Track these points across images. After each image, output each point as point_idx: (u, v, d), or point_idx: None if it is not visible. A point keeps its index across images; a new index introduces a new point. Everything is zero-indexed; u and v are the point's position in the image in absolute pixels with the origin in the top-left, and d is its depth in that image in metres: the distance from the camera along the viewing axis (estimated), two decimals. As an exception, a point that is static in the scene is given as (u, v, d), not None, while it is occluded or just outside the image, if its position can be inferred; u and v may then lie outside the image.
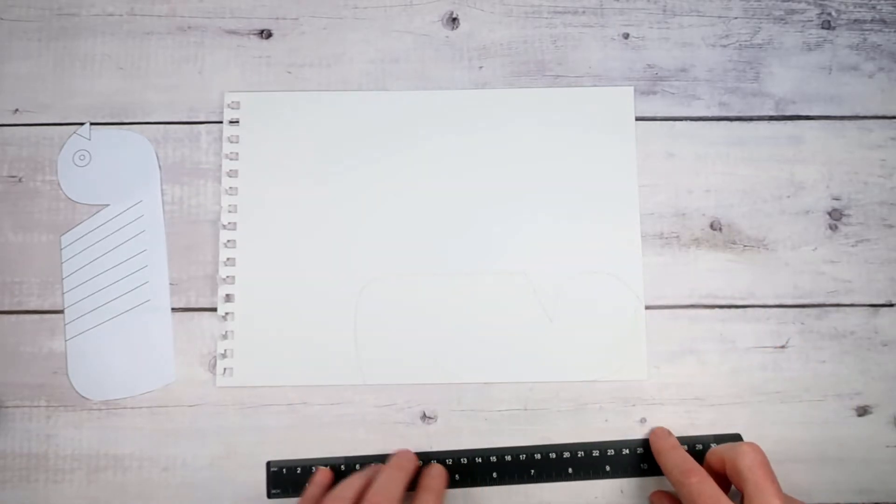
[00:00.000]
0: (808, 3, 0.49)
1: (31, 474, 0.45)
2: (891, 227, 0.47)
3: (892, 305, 0.46)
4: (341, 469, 0.44)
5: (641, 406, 0.45)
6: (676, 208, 0.47)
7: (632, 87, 0.48)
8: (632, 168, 0.47)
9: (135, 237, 0.46)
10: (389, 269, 0.46)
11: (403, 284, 0.46)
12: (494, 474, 0.44)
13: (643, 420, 0.45)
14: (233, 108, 0.47)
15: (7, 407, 0.45)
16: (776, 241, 0.46)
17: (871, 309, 0.46)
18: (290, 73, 0.48)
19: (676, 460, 0.41)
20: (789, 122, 0.48)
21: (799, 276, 0.46)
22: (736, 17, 0.49)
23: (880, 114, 0.48)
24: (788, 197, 0.47)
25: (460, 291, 0.46)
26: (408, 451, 0.44)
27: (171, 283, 0.46)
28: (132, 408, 0.45)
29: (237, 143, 0.47)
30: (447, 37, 0.49)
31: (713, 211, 0.47)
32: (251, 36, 0.49)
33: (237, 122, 0.47)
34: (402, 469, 0.41)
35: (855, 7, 0.49)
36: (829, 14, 0.49)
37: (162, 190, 0.47)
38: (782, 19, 0.49)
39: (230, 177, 0.47)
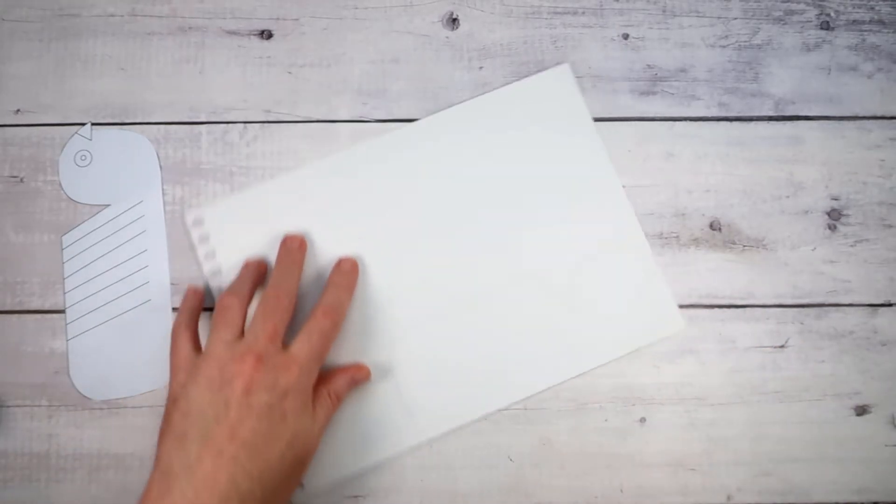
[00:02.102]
0: (807, 4, 0.49)
1: (33, 474, 0.45)
2: (890, 226, 0.47)
3: (890, 305, 0.46)
4: None
5: (641, 406, 0.45)
6: (676, 208, 0.47)
7: (567, 65, 0.47)
8: (596, 140, 0.47)
9: (136, 237, 0.47)
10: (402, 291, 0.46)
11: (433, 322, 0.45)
12: None
13: (643, 420, 0.45)
14: (198, 226, 0.46)
15: (9, 406, 0.45)
16: (775, 241, 0.47)
17: (869, 309, 0.46)
18: (290, 73, 0.48)
19: None
20: (788, 123, 0.48)
21: (798, 276, 0.46)
22: (735, 18, 0.49)
23: (879, 114, 0.48)
24: (788, 197, 0.47)
25: (481, 311, 0.45)
26: (295, 238, 0.44)
27: (171, 283, 0.46)
28: (133, 407, 0.45)
29: (214, 257, 0.46)
30: (447, 37, 0.49)
31: (713, 211, 0.47)
32: (252, 36, 0.49)
33: (207, 238, 0.46)
34: (294, 262, 0.43)
35: (854, 8, 0.49)
36: (828, 15, 0.49)
37: (163, 190, 0.47)
38: (781, 20, 0.49)
39: (214, 274, 0.45)
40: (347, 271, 0.44)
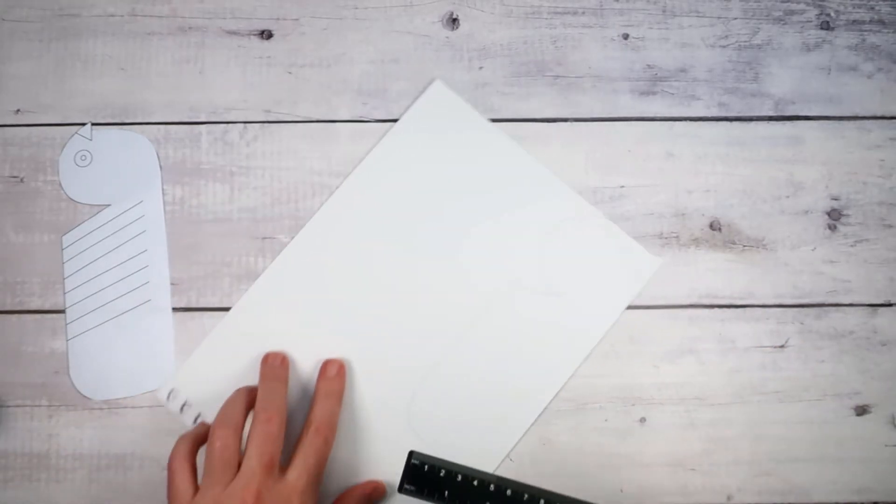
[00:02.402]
0: (807, 4, 0.49)
1: (33, 473, 0.45)
2: (890, 226, 0.47)
3: (890, 305, 0.46)
4: (489, 489, 0.40)
5: (641, 406, 0.45)
6: (676, 208, 0.47)
7: (438, 80, 0.47)
8: (503, 138, 0.47)
9: (136, 237, 0.47)
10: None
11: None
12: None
13: (643, 420, 0.45)
14: (175, 398, 0.45)
15: (9, 406, 0.45)
16: (775, 241, 0.47)
17: (869, 309, 0.46)
18: (290, 73, 0.48)
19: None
20: (788, 123, 0.48)
21: (798, 276, 0.46)
22: (735, 18, 0.49)
23: (879, 114, 0.48)
24: (787, 197, 0.47)
25: (480, 344, 0.45)
26: (276, 355, 0.44)
27: (171, 283, 0.46)
28: (133, 407, 0.45)
29: (203, 417, 0.44)
30: (447, 37, 0.49)
31: (713, 211, 0.47)
32: (252, 36, 0.49)
33: (189, 405, 0.45)
34: (278, 378, 0.42)
35: (854, 8, 0.49)
36: (828, 15, 0.49)
37: (163, 190, 0.47)
38: (781, 20, 0.49)
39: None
40: (333, 377, 0.43)
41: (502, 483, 0.40)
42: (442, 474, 0.40)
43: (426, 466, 0.40)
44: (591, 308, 0.46)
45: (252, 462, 0.38)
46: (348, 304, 0.45)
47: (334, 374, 0.43)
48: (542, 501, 0.39)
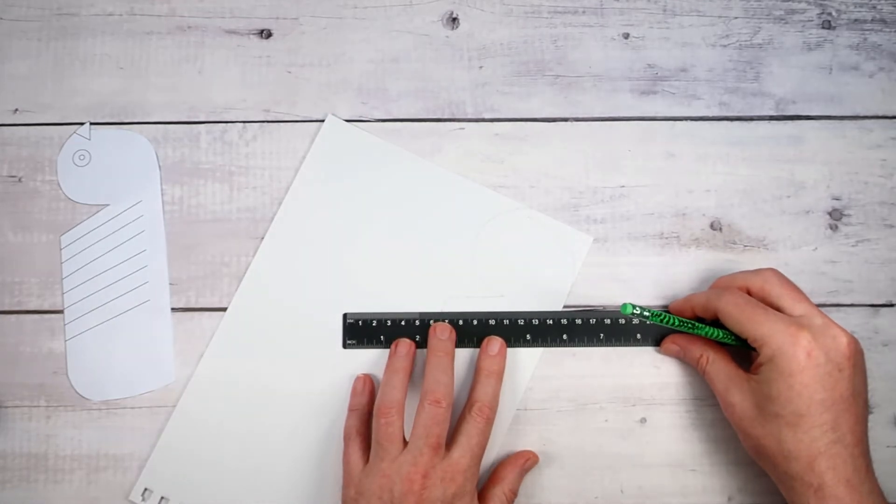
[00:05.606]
0: (809, 3, 0.49)
1: (31, 474, 0.45)
2: (891, 226, 0.47)
3: (892, 305, 0.46)
4: (416, 324, 0.45)
5: (641, 406, 0.45)
6: (676, 208, 0.47)
7: (330, 115, 0.47)
8: (410, 157, 0.47)
9: (135, 237, 0.46)
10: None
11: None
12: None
13: (643, 420, 0.45)
14: (149, 497, 0.44)
15: (7, 407, 0.45)
16: (776, 241, 0.46)
17: (871, 309, 0.46)
18: (289, 72, 0.48)
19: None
20: (789, 122, 0.48)
21: (799, 276, 0.46)
22: (736, 17, 0.49)
23: (880, 114, 0.48)
24: (788, 197, 0.47)
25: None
26: (445, 327, 0.44)
27: (170, 283, 0.46)
28: (132, 408, 0.45)
29: None
30: (447, 37, 0.49)
31: (713, 211, 0.47)
32: (251, 36, 0.49)
33: (167, 500, 0.44)
34: (447, 353, 0.43)
35: (855, 7, 0.49)
36: (830, 14, 0.49)
37: (162, 190, 0.47)
38: (782, 19, 0.49)
39: None
40: (494, 355, 0.43)
41: (424, 316, 0.45)
42: (374, 324, 0.45)
43: (360, 322, 0.45)
44: (535, 302, 0.46)
45: (420, 442, 0.39)
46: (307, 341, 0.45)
47: (495, 351, 0.43)
48: (459, 321, 0.45)
